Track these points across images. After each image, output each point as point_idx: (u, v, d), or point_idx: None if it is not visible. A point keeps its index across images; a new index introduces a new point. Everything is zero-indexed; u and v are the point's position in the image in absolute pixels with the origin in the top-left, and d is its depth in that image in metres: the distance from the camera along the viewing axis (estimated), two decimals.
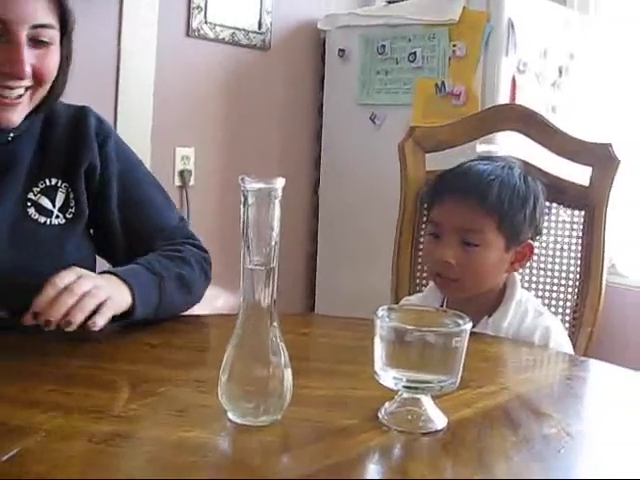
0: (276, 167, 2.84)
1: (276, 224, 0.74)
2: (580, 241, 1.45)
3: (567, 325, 1.41)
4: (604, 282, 1.41)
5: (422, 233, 1.55)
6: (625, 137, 2.56)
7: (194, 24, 2.52)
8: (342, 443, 0.72)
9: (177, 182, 2.53)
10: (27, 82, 1.06)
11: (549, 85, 2.52)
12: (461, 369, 0.76)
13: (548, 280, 1.47)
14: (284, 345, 0.76)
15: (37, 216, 1.13)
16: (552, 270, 1.46)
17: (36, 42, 1.05)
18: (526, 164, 1.42)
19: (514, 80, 2.38)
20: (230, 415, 0.76)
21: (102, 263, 1.25)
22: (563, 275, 1.46)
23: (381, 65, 2.65)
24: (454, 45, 2.44)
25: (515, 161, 1.35)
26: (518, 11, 2.37)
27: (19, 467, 0.64)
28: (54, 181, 1.16)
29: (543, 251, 1.47)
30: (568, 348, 1.26)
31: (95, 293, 0.96)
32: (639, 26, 2.73)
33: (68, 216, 1.16)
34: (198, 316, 1.20)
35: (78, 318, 0.93)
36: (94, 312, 0.96)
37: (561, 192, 1.45)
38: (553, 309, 1.44)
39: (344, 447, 0.71)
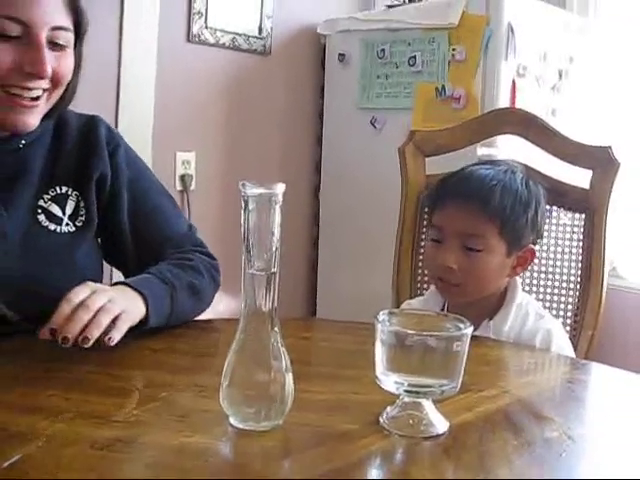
0: (277, 171, 2.84)
1: (277, 229, 0.74)
2: (581, 244, 1.45)
3: (568, 328, 1.41)
4: (605, 285, 1.41)
5: (423, 237, 1.55)
6: (625, 140, 2.56)
7: (195, 29, 2.53)
8: (343, 448, 0.72)
9: (178, 186, 2.53)
10: (45, 84, 1.07)
11: (549, 88, 2.52)
12: (462, 373, 0.76)
13: (549, 283, 1.46)
14: (285, 350, 0.76)
15: (47, 223, 1.14)
16: (553, 273, 1.46)
17: (54, 44, 1.07)
18: (527, 168, 1.42)
19: (514, 83, 2.38)
20: (231, 420, 0.76)
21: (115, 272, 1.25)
22: (564, 278, 1.46)
23: (381, 69, 2.65)
24: (454, 49, 2.44)
25: (517, 165, 1.34)
26: (517, 15, 2.37)
27: (21, 473, 0.64)
28: (64, 189, 1.17)
29: (544, 254, 1.47)
30: (569, 351, 1.26)
31: (110, 308, 0.96)
32: (639, 29, 2.73)
33: (78, 224, 1.17)
34: (200, 321, 1.20)
35: (94, 334, 0.93)
36: (110, 326, 0.96)
37: (561, 195, 1.45)
38: (554, 312, 1.44)
39: (345, 452, 0.71)
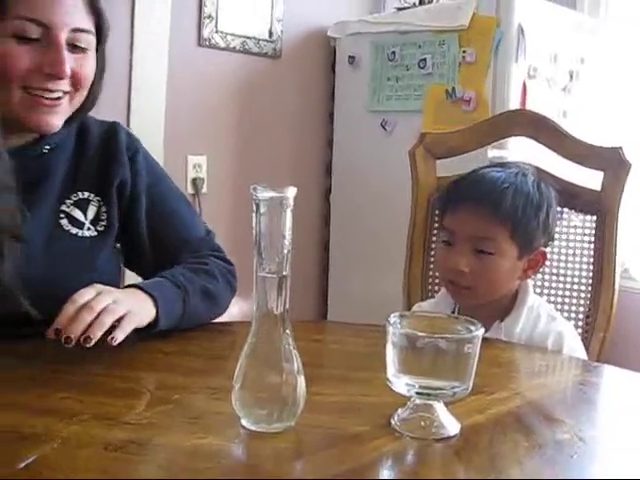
0: (287, 174, 2.85)
1: (288, 233, 0.75)
2: (592, 246, 1.45)
3: (580, 330, 1.41)
4: (617, 287, 1.41)
5: (434, 239, 1.55)
6: (637, 141, 2.55)
7: (205, 33, 2.54)
8: (355, 449, 0.72)
9: (189, 190, 2.54)
10: (66, 85, 1.08)
11: (560, 90, 2.51)
12: (473, 375, 0.76)
13: (560, 285, 1.46)
14: (297, 352, 0.77)
15: (69, 227, 1.15)
16: (564, 275, 1.46)
17: (74, 47, 1.08)
18: (538, 170, 1.42)
19: (524, 85, 2.38)
20: (244, 422, 0.77)
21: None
22: (575, 280, 1.45)
23: (391, 72, 2.65)
24: (464, 51, 2.44)
25: (528, 167, 1.34)
26: (528, 16, 2.37)
27: (35, 475, 0.65)
28: (86, 194, 1.18)
29: (555, 256, 1.46)
30: (581, 353, 1.26)
31: (114, 308, 0.97)
32: None
33: (99, 229, 1.18)
34: (213, 323, 1.20)
35: (97, 334, 0.94)
36: (114, 327, 0.97)
37: (573, 197, 1.44)
38: (566, 314, 1.43)
39: (357, 453, 0.72)
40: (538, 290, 1.45)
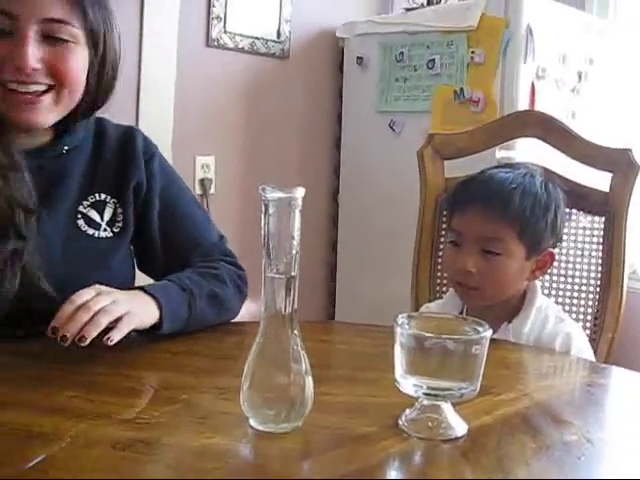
0: (296, 175, 2.85)
1: (296, 233, 0.75)
2: (600, 247, 1.44)
3: (588, 332, 1.40)
4: (625, 288, 1.40)
5: (442, 240, 1.55)
6: None
7: (213, 34, 2.54)
8: (362, 450, 0.73)
9: (198, 190, 2.54)
10: (43, 79, 1.06)
11: (568, 91, 2.51)
12: (481, 376, 0.76)
13: (568, 286, 1.46)
14: (305, 353, 0.77)
15: (86, 228, 1.16)
16: (572, 276, 1.46)
17: (52, 39, 1.05)
18: (546, 171, 1.41)
19: (533, 86, 2.38)
20: (251, 422, 0.77)
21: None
22: (584, 281, 1.45)
23: (400, 72, 2.65)
24: (472, 52, 2.44)
25: (536, 168, 1.34)
26: (537, 17, 2.37)
27: (44, 474, 0.65)
28: (103, 196, 1.19)
29: (563, 257, 1.46)
30: (589, 355, 1.26)
31: (111, 309, 0.97)
32: None
33: (115, 230, 1.19)
34: (219, 324, 1.21)
35: (92, 333, 0.94)
36: (112, 327, 0.97)
37: (581, 198, 1.44)
38: (574, 315, 1.43)
39: (364, 454, 0.72)
40: (546, 291, 1.45)
